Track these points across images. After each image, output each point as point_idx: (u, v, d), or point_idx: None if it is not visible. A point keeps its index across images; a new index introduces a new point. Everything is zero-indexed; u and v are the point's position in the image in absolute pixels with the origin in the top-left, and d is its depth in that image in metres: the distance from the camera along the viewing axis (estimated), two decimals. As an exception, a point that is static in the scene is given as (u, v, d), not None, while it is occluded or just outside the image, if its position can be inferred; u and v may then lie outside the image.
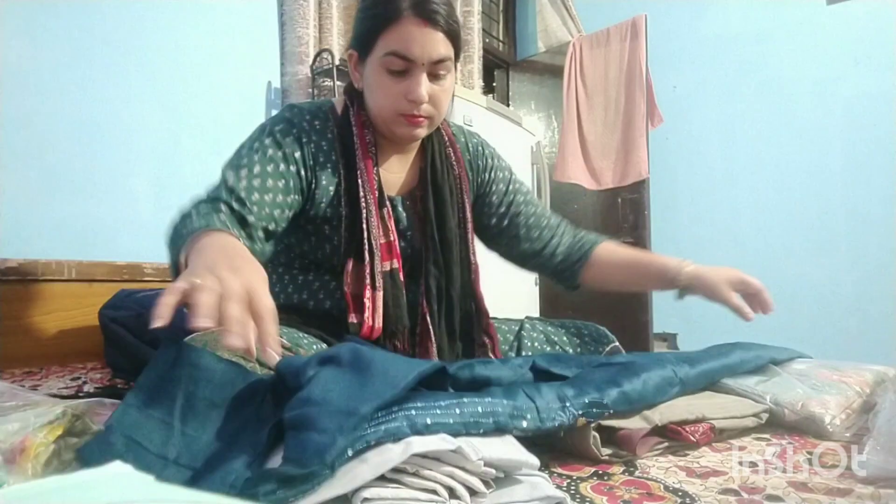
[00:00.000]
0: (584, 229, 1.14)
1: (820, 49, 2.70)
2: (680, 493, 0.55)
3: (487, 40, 3.34)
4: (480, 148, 1.09)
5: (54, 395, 0.90)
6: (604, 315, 2.54)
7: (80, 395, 1.04)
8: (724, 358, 0.88)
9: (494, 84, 3.57)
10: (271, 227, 0.86)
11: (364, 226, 0.89)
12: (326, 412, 0.47)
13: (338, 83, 1.94)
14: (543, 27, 3.29)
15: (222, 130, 1.80)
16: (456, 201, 0.99)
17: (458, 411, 0.53)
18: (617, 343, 1.05)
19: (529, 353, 0.99)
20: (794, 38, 2.77)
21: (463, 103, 2.09)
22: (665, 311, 2.93)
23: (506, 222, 1.08)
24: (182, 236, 0.70)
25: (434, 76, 0.88)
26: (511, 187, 1.10)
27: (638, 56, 2.81)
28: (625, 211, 2.89)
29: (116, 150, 1.60)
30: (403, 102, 0.87)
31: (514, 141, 2.47)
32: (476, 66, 2.88)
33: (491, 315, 1.10)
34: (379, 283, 0.88)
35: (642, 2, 2.98)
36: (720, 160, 2.97)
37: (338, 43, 2.11)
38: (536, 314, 2.39)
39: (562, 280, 1.12)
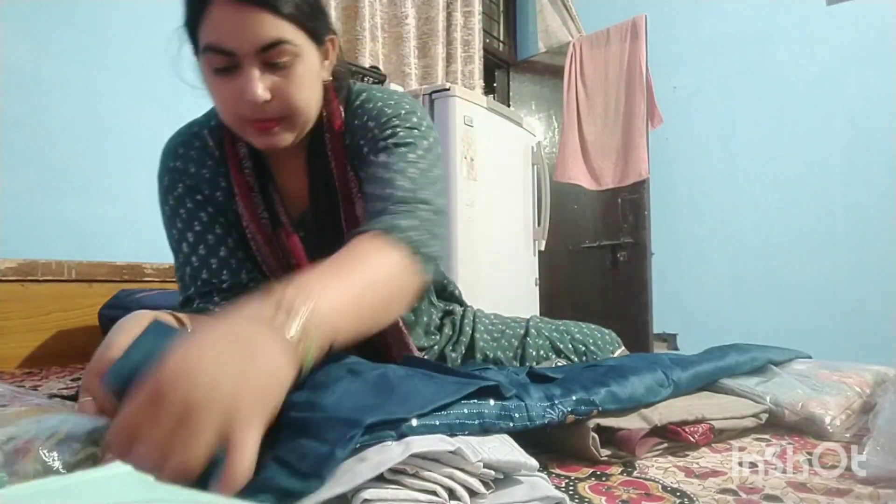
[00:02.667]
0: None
1: (820, 49, 2.71)
2: (678, 493, 0.55)
3: (488, 40, 3.34)
4: (367, 117, 0.81)
5: (54, 396, 0.90)
6: (604, 315, 2.55)
7: (81, 395, 1.03)
8: (718, 360, 0.88)
9: (495, 84, 3.57)
10: (249, 266, 0.84)
11: (258, 257, 0.83)
12: (331, 421, 0.47)
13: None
14: (544, 27, 3.29)
15: (222, 131, 1.80)
16: (332, 209, 0.82)
17: (443, 412, 0.53)
18: (624, 348, 1.04)
19: (533, 363, 0.97)
20: (794, 38, 2.77)
21: (463, 103, 2.09)
22: (665, 312, 2.93)
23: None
24: None
25: (271, 66, 0.70)
26: (375, 145, 0.79)
27: (638, 56, 2.81)
28: (625, 211, 2.89)
29: (117, 150, 1.61)
30: (242, 105, 0.71)
31: (515, 141, 2.47)
32: (476, 66, 2.88)
33: (495, 314, 1.09)
34: None
35: (642, 2, 2.98)
36: (720, 160, 2.97)
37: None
38: (536, 314, 2.40)
39: None
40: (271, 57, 0.69)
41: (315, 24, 0.73)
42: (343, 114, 0.83)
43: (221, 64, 0.70)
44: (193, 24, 0.70)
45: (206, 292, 0.81)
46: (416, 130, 0.80)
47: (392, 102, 0.82)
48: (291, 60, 0.71)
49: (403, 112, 0.81)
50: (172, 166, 0.85)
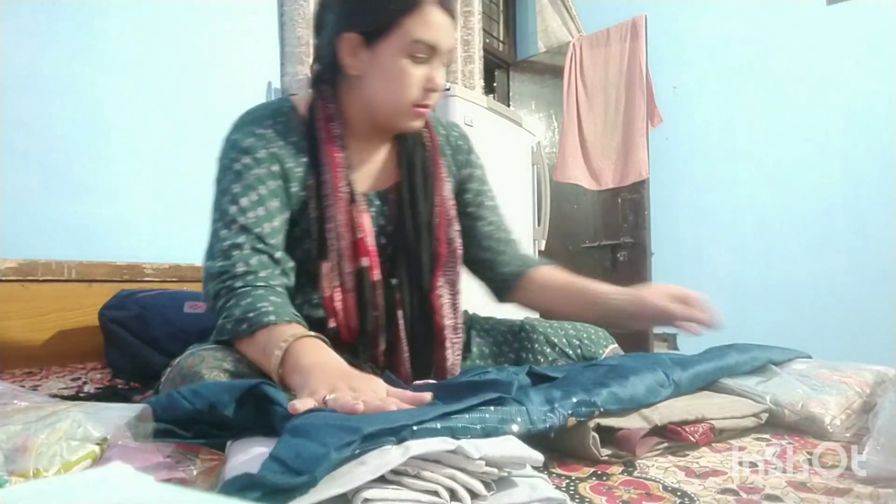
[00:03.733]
0: (536, 255, 1.13)
1: (820, 49, 2.70)
2: (679, 493, 0.55)
3: (488, 40, 3.34)
4: (461, 142, 1.06)
5: (54, 395, 0.90)
6: (604, 315, 2.54)
7: (80, 395, 1.04)
8: (718, 360, 0.88)
9: (495, 84, 3.57)
10: (283, 248, 0.86)
11: (330, 224, 0.86)
12: (330, 426, 0.47)
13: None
14: (543, 27, 3.29)
15: (222, 131, 1.79)
16: (427, 186, 0.95)
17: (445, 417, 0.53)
18: (616, 345, 1.05)
19: (529, 356, 0.99)
20: (794, 38, 2.77)
21: (463, 103, 2.09)
22: (665, 311, 2.93)
23: (467, 221, 1.04)
24: (239, 320, 0.75)
25: (443, 66, 0.89)
26: (483, 188, 1.07)
27: (638, 56, 2.81)
28: (625, 211, 2.89)
29: (116, 150, 1.60)
30: (421, 91, 0.87)
31: (515, 141, 2.47)
32: (476, 66, 2.88)
33: (490, 315, 1.10)
34: (350, 283, 0.86)
35: (642, 2, 2.98)
36: (720, 160, 2.97)
37: (338, 43, 2.11)
38: (536, 315, 2.39)
39: (493, 292, 1.09)
40: (449, 59, 0.90)
41: None
42: None
43: (423, 54, 0.85)
44: (397, 15, 0.84)
45: (265, 251, 0.82)
46: None
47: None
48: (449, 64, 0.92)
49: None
50: (260, 132, 0.89)
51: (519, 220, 2.46)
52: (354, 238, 0.87)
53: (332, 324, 0.86)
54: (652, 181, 2.83)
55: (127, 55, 1.63)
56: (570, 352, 1.00)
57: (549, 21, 3.25)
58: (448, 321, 0.92)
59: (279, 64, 2.04)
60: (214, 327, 0.79)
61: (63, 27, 1.50)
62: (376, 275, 0.87)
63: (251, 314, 0.74)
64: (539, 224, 2.60)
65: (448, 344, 0.92)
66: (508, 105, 3.31)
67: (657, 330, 2.88)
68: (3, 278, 1.31)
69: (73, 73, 1.52)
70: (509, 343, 1.02)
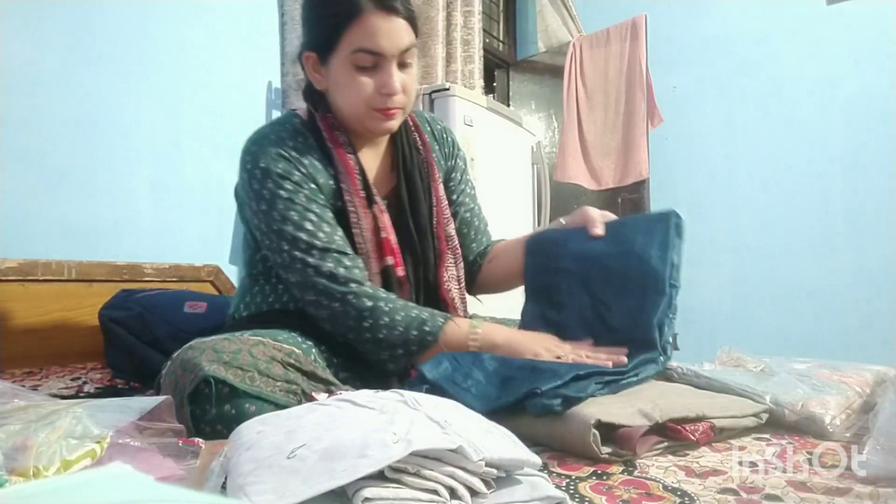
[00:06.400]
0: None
1: (820, 49, 2.70)
2: (679, 493, 0.55)
3: (487, 40, 3.33)
4: (445, 134, 1.11)
5: (54, 395, 0.90)
6: (604, 315, 2.54)
7: (81, 395, 1.04)
8: None
9: (495, 84, 3.56)
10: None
11: (355, 229, 0.91)
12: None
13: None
14: (543, 27, 3.29)
15: (222, 130, 1.80)
16: (425, 187, 0.99)
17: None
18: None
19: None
20: (794, 38, 2.77)
21: (463, 103, 2.09)
22: (665, 311, 2.93)
23: (450, 208, 1.08)
24: (418, 336, 0.86)
25: (402, 65, 0.89)
26: (464, 177, 1.12)
27: (638, 56, 2.81)
28: (625, 211, 2.89)
29: (116, 150, 1.60)
30: (377, 97, 0.88)
31: (515, 141, 2.47)
32: (476, 66, 2.88)
33: (490, 315, 1.11)
34: (377, 281, 0.91)
35: (642, 2, 2.98)
36: (720, 160, 2.97)
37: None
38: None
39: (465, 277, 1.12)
40: (404, 57, 0.88)
41: (419, 32, 0.91)
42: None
43: (368, 63, 0.87)
44: (340, 29, 0.86)
45: (345, 261, 0.88)
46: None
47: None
48: (413, 61, 0.91)
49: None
50: (287, 154, 0.91)
51: (519, 220, 2.46)
52: (379, 238, 0.91)
53: None
54: (652, 181, 2.82)
55: (127, 55, 1.63)
56: None
57: (549, 21, 3.25)
58: (460, 312, 0.99)
59: (279, 64, 2.04)
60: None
61: (63, 27, 1.50)
62: (400, 272, 0.92)
63: (425, 327, 0.85)
64: (539, 224, 2.60)
65: None
66: (508, 105, 3.31)
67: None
68: (3, 278, 1.31)
69: (72, 73, 1.52)
70: None
